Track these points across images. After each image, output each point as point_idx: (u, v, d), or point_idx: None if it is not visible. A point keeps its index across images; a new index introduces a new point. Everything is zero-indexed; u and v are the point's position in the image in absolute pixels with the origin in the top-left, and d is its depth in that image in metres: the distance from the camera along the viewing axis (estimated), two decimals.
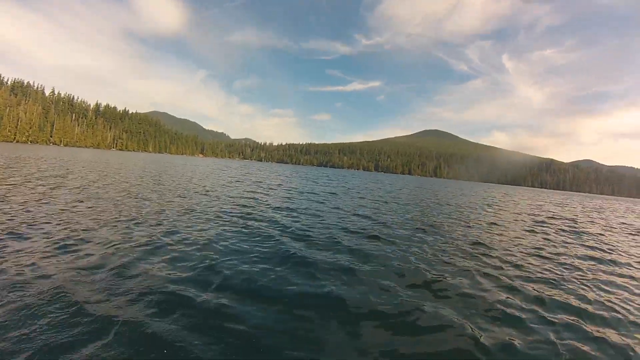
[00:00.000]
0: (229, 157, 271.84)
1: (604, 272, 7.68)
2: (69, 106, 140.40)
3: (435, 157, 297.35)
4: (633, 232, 15.85)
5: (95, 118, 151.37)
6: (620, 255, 9.81)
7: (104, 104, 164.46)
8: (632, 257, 9.77)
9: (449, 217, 14.59)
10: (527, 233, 12.25)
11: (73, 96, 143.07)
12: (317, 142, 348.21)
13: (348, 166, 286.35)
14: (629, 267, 8.36)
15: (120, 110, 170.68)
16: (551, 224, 15.61)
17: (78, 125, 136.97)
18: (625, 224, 20.02)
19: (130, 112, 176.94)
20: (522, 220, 16.02)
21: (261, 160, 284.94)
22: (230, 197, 14.61)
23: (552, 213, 22.26)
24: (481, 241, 9.67)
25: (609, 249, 10.56)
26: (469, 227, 12.33)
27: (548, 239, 11.27)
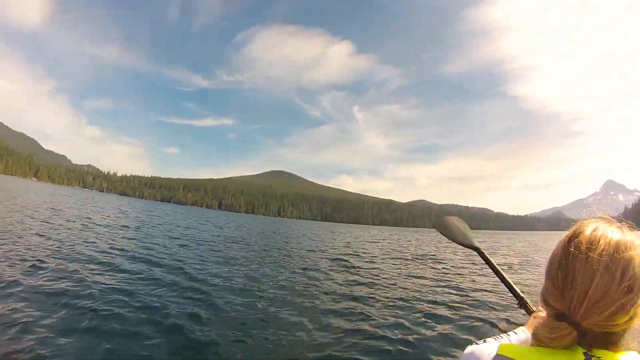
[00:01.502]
0: (67, 184, 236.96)
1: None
2: None
3: (280, 197, 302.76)
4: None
5: None
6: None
7: None
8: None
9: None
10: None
11: None
12: (162, 176, 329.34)
13: (192, 203, 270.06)
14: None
15: None
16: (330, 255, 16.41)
17: None
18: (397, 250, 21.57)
19: None
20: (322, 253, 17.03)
21: (102, 191, 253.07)
22: None
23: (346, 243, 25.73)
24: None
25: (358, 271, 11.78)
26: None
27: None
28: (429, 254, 19.66)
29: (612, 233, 0.87)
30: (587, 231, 0.88)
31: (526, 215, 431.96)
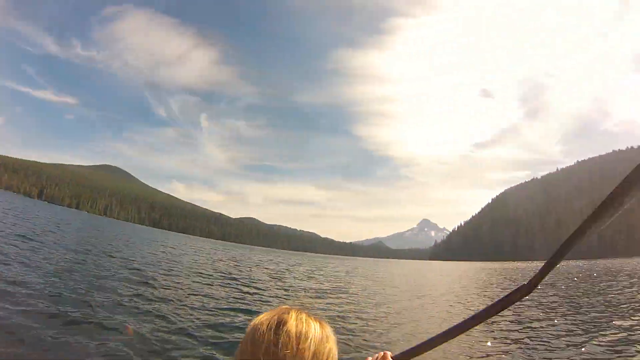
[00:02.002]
0: None
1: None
2: None
3: (109, 195, 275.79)
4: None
5: None
6: None
7: None
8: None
9: None
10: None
11: None
12: None
13: (5, 187, 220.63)
14: None
15: None
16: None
17: None
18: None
19: None
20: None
21: None
22: None
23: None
24: None
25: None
26: None
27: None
28: (228, 272, 19.94)
29: (315, 326, 0.98)
30: (293, 321, 0.96)
31: (351, 243, 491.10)
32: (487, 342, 7.97)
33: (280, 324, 0.95)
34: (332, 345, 0.98)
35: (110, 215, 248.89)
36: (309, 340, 0.93)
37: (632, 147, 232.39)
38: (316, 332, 0.96)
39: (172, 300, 9.56)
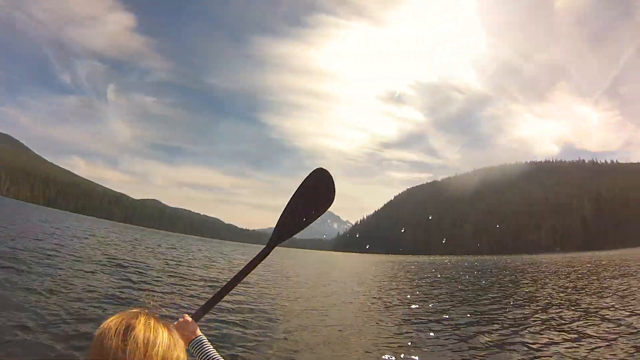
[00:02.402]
0: None
1: None
2: None
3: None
4: None
5: None
6: None
7: None
8: None
9: None
10: None
11: None
12: None
13: None
14: None
15: None
16: None
17: None
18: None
19: None
20: None
21: None
22: None
23: None
24: None
25: None
26: None
27: None
28: (120, 258, 18.61)
29: (163, 333, 0.98)
30: (141, 327, 0.95)
31: (254, 230, 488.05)
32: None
33: (128, 329, 0.94)
34: (180, 353, 0.99)
35: None
36: (156, 347, 0.93)
37: (519, 162, 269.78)
38: (164, 338, 0.96)
39: (42, 291, 8.75)
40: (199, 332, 1.64)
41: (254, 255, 2.14)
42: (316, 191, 2.29)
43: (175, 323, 1.44)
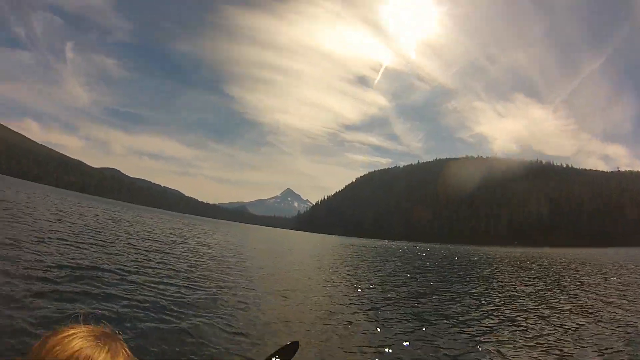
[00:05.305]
0: None
1: None
2: None
3: None
4: None
5: None
6: None
7: None
8: None
9: None
10: None
11: None
12: None
13: None
14: None
15: None
16: None
17: None
18: None
19: None
20: None
21: None
22: None
23: None
24: None
25: None
26: None
27: None
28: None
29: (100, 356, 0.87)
30: (69, 348, 0.84)
31: (214, 204, 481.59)
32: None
33: None
34: None
35: None
36: None
37: (480, 156, 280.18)
38: None
39: None
40: None
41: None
42: None
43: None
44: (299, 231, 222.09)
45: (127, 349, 0.94)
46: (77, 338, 0.89)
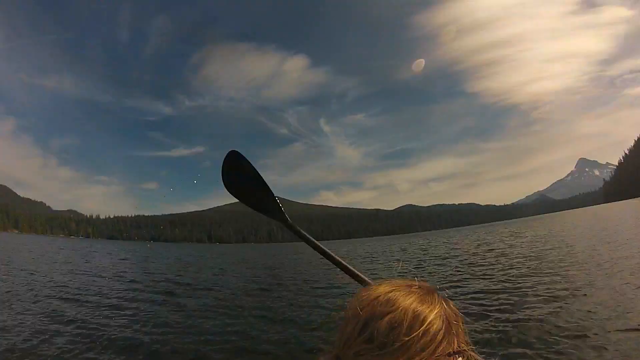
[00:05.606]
0: (51, 234, 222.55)
1: None
2: None
3: (267, 221, 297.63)
4: None
5: None
6: None
7: None
8: None
9: None
10: None
11: None
12: (146, 214, 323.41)
13: (181, 239, 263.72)
14: None
15: None
16: None
17: None
18: None
19: None
20: None
21: (89, 237, 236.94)
22: None
23: None
24: None
25: None
26: None
27: None
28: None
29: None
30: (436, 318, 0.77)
31: (512, 204, 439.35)
32: None
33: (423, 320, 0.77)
34: None
35: (275, 240, 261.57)
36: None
37: None
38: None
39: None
40: None
41: None
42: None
43: None
44: (613, 202, 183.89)
45: (452, 305, 0.83)
46: (403, 294, 0.81)
